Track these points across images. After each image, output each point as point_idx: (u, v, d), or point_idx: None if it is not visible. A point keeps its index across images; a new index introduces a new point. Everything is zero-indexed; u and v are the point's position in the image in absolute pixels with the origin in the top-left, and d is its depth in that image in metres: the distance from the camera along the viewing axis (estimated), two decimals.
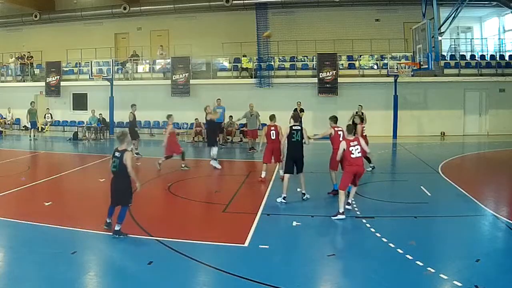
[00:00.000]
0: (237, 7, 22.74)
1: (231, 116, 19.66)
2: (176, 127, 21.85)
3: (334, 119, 9.53)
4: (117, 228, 6.66)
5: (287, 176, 8.89)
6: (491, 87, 20.68)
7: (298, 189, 10.01)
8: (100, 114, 21.24)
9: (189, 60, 22.34)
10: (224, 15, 23.53)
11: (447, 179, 10.99)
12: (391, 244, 6.36)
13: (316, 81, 21.11)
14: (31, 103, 20.76)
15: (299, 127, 8.97)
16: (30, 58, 25.16)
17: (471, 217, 7.91)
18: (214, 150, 12.56)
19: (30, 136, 20.16)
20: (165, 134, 12.72)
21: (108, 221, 6.97)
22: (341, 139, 8.88)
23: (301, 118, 18.32)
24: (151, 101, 22.67)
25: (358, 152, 7.94)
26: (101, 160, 14.54)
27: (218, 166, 12.50)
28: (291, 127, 8.98)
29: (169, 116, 13.04)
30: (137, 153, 14.77)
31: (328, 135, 9.37)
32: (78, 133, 20.98)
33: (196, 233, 7.05)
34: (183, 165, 12.52)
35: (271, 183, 10.42)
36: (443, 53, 21.50)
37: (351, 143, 7.98)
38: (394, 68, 20.04)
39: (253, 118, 16.68)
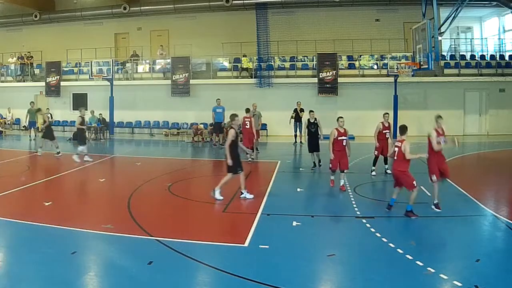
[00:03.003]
0: (237, 7, 22.73)
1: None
2: (176, 127, 22.02)
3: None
4: None
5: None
6: (491, 87, 20.66)
7: (298, 189, 10.03)
8: (100, 114, 21.23)
9: (189, 60, 22.33)
10: (224, 15, 23.52)
11: (447, 179, 10.95)
12: (391, 244, 6.36)
13: (316, 81, 21.11)
14: (30, 103, 20.75)
15: None
16: (30, 58, 25.15)
17: (471, 217, 7.92)
18: (82, 148, 13.96)
19: (30, 136, 20.15)
20: (248, 126, 13.74)
21: None
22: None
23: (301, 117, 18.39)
24: (151, 101, 22.72)
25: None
26: (101, 160, 14.55)
27: (78, 161, 13.54)
28: None
29: (248, 111, 14.45)
30: (57, 153, 14.77)
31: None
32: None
33: (196, 233, 7.04)
34: (252, 157, 13.70)
35: (271, 183, 10.41)
36: (443, 53, 21.49)
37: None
38: (394, 68, 20.02)
39: (255, 118, 16.63)
